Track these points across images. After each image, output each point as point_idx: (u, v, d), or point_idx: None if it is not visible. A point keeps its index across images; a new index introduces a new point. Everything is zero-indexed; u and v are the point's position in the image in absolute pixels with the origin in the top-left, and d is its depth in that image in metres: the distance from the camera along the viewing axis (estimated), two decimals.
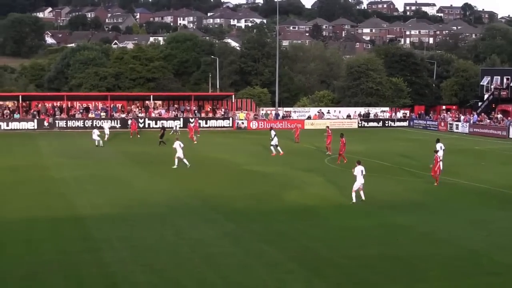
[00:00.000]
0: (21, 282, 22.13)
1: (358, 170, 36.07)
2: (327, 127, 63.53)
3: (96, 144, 62.56)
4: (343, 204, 35.48)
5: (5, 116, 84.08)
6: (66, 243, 27.02)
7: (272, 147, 58.03)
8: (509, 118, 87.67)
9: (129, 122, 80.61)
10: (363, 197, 35.88)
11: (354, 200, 35.34)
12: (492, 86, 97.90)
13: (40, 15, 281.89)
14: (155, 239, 27.91)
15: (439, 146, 47.77)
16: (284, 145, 60.57)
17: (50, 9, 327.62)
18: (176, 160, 48.67)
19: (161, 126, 71.30)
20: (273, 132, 58.92)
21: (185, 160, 48.54)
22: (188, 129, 72.11)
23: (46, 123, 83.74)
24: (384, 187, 42.36)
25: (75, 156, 55.56)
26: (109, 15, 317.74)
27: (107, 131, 70.01)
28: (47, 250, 26.05)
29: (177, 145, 48.80)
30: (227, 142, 67.00)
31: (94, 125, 75.37)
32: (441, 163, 43.74)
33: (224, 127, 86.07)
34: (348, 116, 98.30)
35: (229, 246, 27.01)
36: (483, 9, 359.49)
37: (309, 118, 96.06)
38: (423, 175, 47.01)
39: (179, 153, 48.58)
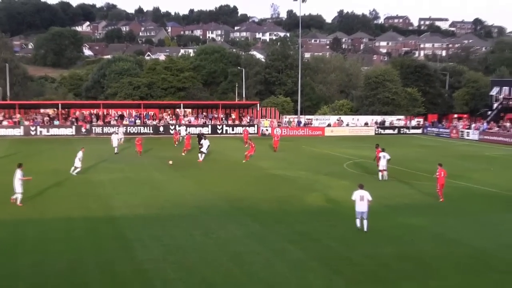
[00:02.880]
0: (61, 276, 22.34)
1: (357, 195, 29.50)
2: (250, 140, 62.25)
3: (116, 151, 61.50)
4: None
5: (45, 123, 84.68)
6: (102, 241, 27.24)
7: (200, 154, 56.83)
8: None
9: (174, 132, 78.56)
10: (365, 228, 29.31)
11: (358, 225, 29.59)
12: (501, 96, 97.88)
13: (79, 28, 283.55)
14: (185, 238, 28.03)
15: (382, 155, 46.23)
16: (305, 152, 60.43)
17: (88, 23, 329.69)
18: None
19: (199, 133, 70.62)
20: (207, 142, 57.87)
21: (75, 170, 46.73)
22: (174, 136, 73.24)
23: (83, 129, 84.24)
24: (399, 190, 42.32)
25: (111, 160, 55.91)
26: (143, 28, 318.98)
27: (121, 135, 70.83)
28: (84, 247, 26.25)
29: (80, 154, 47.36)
30: None
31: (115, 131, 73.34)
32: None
33: (249, 133, 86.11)
34: (366, 124, 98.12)
35: (255, 245, 27.05)
36: (492, 24, 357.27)
37: (329, 125, 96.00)
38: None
39: (76, 163, 46.78)
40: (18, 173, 34.13)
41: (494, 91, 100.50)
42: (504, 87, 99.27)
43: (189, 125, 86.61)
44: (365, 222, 29.20)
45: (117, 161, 55.87)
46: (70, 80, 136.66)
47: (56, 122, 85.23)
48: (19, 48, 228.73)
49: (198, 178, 45.96)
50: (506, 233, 30.57)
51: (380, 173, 46.03)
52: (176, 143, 70.51)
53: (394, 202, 37.68)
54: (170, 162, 48.58)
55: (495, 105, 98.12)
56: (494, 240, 28.83)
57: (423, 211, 35.19)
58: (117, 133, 66.62)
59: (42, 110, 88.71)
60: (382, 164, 45.68)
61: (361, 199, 29.15)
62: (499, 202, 38.80)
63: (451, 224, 32.12)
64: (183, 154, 60.47)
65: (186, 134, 69.13)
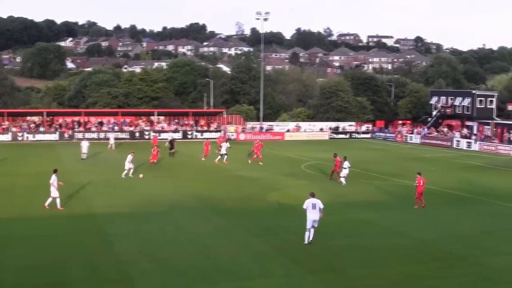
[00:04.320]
0: (45, 269, 22.14)
1: (309, 204, 26.44)
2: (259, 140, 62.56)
3: (83, 157, 58.62)
4: None
5: (31, 129, 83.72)
6: (84, 237, 26.98)
7: (225, 156, 57.09)
8: (453, 131, 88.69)
9: (153, 137, 76.52)
10: (310, 237, 26.30)
11: (305, 242, 26.16)
12: (439, 105, 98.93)
13: (62, 44, 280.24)
14: (158, 233, 27.90)
15: (346, 164, 44.27)
16: (267, 154, 60.41)
17: (70, 38, 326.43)
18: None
19: (170, 138, 69.78)
20: (226, 144, 58.42)
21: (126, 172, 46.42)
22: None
23: (66, 135, 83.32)
24: (350, 188, 42.45)
25: (91, 164, 55.34)
26: (120, 44, 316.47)
27: (112, 141, 71.71)
28: (67, 242, 25.98)
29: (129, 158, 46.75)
30: None
31: (84, 137, 75.62)
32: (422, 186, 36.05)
33: (217, 138, 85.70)
34: (321, 129, 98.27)
35: (221, 239, 26.99)
36: (431, 41, 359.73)
37: (288, 131, 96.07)
38: (384, 179, 47.35)
39: (127, 165, 46.28)
40: (53, 178, 33.15)
41: (433, 100, 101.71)
42: (441, 97, 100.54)
43: (161, 131, 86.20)
44: (312, 230, 26.26)
45: (97, 164, 55.34)
46: (54, 91, 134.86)
47: (42, 129, 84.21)
48: (7, 62, 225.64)
49: (170, 179, 45.70)
50: (444, 225, 30.98)
51: (343, 179, 44.05)
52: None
53: (347, 199, 37.83)
54: (141, 175, 47.52)
55: (434, 113, 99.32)
56: (434, 232, 29.17)
57: (372, 207, 35.43)
58: (86, 140, 64.80)
59: (28, 118, 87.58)
60: (345, 172, 44.14)
61: (313, 207, 26.19)
62: (439, 198, 39.17)
63: (396, 218, 32.42)
64: (203, 159, 59.69)
65: (205, 141, 67.27)
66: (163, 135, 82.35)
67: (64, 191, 38.63)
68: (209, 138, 77.78)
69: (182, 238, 27.11)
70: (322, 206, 26.37)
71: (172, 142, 63.97)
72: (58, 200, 33.01)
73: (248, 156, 59.88)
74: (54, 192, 32.94)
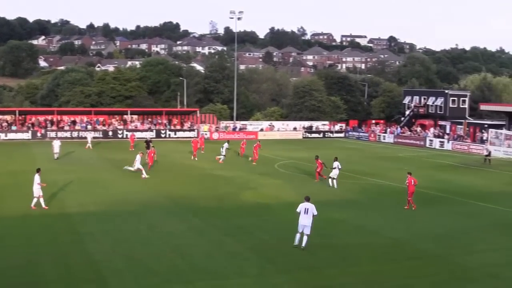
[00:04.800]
0: (18, 269, 21.91)
1: (302, 208, 25.59)
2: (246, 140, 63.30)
3: (55, 157, 57.58)
4: (291, 202, 35.14)
5: (4, 128, 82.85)
6: (56, 236, 26.79)
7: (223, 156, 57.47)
8: (426, 130, 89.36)
9: (130, 135, 75.59)
10: (303, 244, 25.31)
11: (295, 242, 25.50)
12: (412, 104, 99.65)
13: (35, 42, 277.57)
14: (131, 232, 27.77)
15: (336, 164, 43.51)
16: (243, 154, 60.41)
17: (43, 37, 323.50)
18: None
19: (147, 139, 69.09)
20: (226, 144, 58.81)
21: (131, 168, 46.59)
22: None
23: (39, 134, 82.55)
24: (324, 188, 42.55)
25: (64, 163, 54.83)
26: (94, 42, 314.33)
27: (89, 140, 71.51)
28: (40, 242, 25.79)
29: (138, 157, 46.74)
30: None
31: (56, 136, 75.17)
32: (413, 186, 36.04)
33: (190, 137, 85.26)
34: (294, 129, 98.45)
35: (195, 238, 26.94)
36: (405, 41, 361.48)
37: (261, 130, 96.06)
38: (357, 178, 47.56)
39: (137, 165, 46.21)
40: (37, 178, 32.84)
41: (406, 100, 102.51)
42: (414, 96, 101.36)
43: (135, 130, 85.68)
44: (305, 237, 25.26)
45: (70, 163, 54.86)
46: (27, 89, 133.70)
47: (14, 127, 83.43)
48: None
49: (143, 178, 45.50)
50: (417, 224, 31.22)
51: (330, 180, 43.21)
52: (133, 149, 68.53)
53: (321, 198, 37.66)
54: (143, 176, 47.12)
55: (407, 112, 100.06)
56: (407, 231, 29.39)
57: (346, 206, 35.60)
58: (58, 139, 63.80)
59: (0, 116, 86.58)
60: (335, 173, 43.28)
61: (305, 212, 25.28)
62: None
63: (369, 217, 32.58)
64: (195, 158, 59.64)
65: (192, 139, 67.37)
66: (138, 135, 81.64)
67: None
68: (195, 137, 77.61)
69: (155, 237, 27.00)
70: (315, 213, 25.53)
71: (148, 142, 63.69)
72: (35, 200, 32.79)
73: (243, 157, 59.86)
74: (36, 192, 32.66)
